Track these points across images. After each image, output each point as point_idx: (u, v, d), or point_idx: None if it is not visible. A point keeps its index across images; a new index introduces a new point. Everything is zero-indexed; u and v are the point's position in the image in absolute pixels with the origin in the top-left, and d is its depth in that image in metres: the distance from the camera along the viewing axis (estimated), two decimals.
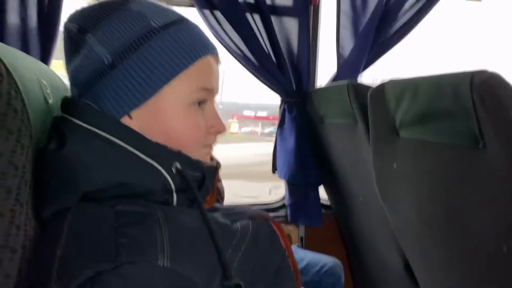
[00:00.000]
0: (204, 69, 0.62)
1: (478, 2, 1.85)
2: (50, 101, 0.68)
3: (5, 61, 0.52)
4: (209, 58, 0.63)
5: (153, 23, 0.59)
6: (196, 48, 0.61)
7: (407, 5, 1.72)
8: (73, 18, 0.61)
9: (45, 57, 1.39)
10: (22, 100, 0.53)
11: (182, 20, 0.62)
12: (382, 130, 1.02)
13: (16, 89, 0.52)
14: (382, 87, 0.97)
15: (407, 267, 1.19)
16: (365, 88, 1.13)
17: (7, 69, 0.51)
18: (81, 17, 0.60)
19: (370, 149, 1.09)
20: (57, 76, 0.85)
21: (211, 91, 0.64)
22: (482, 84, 0.64)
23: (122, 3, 0.60)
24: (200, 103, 0.63)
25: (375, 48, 1.74)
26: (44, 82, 0.68)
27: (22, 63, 0.62)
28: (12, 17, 1.37)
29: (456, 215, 0.83)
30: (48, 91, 0.69)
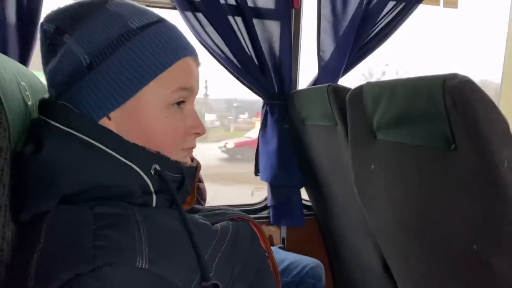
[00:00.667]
0: (183, 71, 0.62)
1: (454, 8, 1.90)
2: (30, 102, 0.68)
3: None
4: (189, 60, 0.63)
5: (131, 24, 0.59)
6: (175, 50, 0.60)
7: (386, 10, 1.76)
8: (50, 18, 0.60)
9: (24, 58, 1.36)
10: (1, 102, 0.53)
11: (160, 22, 0.62)
12: (360, 132, 1.03)
13: None
14: (360, 90, 0.98)
15: (386, 268, 1.21)
16: (345, 90, 1.14)
17: None
18: (59, 18, 0.59)
19: (349, 151, 1.11)
20: (36, 77, 0.84)
21: (190, 91, 0.63)
22: (453, 88, 0.66)
23: (100, 4, 0.60)
24: (180, 103, 0.62)
25: (356, 52, 1.77)
26: (23, 83, 0.68)
27: (0, 65, 0.61)
28: None
29: (430, 215, 0.85)
30: (27, 92, 0.68)
